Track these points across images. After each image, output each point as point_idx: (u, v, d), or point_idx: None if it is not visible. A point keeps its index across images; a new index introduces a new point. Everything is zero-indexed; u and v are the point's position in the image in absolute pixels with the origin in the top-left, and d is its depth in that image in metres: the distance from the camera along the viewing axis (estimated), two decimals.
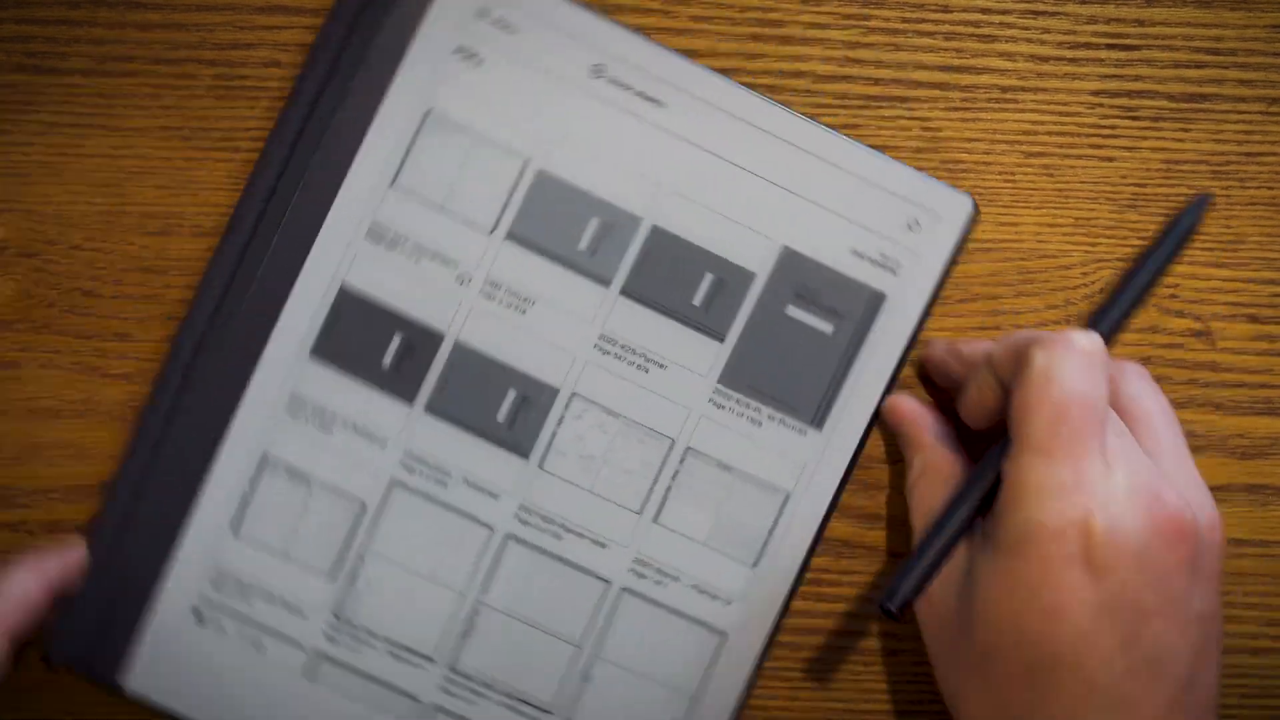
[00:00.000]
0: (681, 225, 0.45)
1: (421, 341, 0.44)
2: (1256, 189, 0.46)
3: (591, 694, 0.45)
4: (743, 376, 0.45)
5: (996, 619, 0.38)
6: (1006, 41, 0.46)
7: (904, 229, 0.45)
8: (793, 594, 0.45)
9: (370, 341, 0.44)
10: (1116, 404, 0.41)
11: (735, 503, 0.45)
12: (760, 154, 0.44)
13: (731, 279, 0.45)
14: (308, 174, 0.44)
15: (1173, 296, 0.46)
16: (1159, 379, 0.45)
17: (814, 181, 0.45)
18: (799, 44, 0.46)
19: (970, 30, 0.46)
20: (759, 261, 0.45)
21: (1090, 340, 0.39)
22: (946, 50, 0.46)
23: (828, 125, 0.45)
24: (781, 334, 0.45)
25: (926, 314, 0.45)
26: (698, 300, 0.45)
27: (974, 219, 0.45)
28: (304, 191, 0.44)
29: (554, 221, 0.44)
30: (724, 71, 0.45)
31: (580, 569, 0.45)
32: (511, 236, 0.44)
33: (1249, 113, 0.46)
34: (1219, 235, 0.46)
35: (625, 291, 0.45)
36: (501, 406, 0.45)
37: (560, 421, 0.45)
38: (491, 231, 0.44)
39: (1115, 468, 0.38)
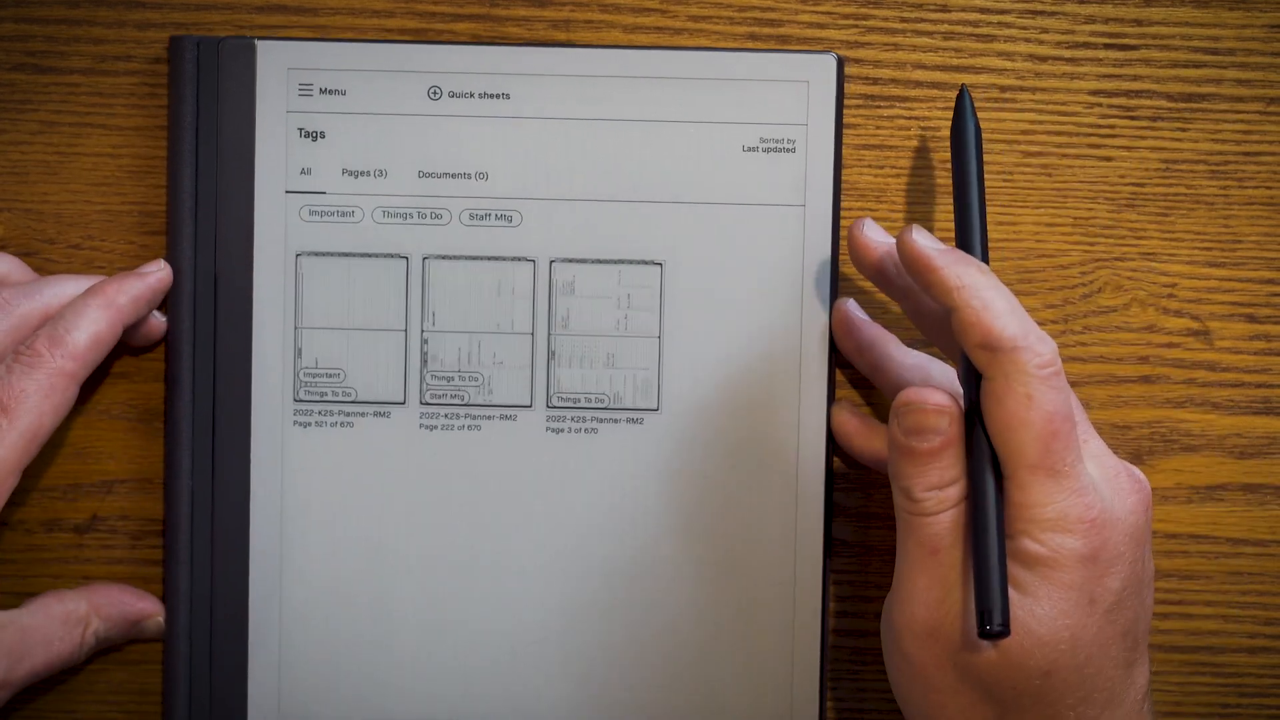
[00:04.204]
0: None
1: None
2: (1254, 188, 0.46)
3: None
4: None
5: (1055, 636, 0.39)
6: (1005, 41, 0.46)
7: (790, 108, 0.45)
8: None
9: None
10: None
11: None
12: (613, 97, 0.45)
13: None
14: (217, 351, 0.45)
15: (1170, 296, 0.46)
16: (1157, 379, 0.46)
17: (684, 99, 0.45)
18: (798, 44, 0.46)
19: (969, 30, 0.46)
20: None
21: (1049, 347, 0.39)
22: (946, 50, 0.46)
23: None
24: None
25: (839, 178, 0.45)
26: None
27: (843, 72, 0.45)
28: (221, 356, 0.45)
29: None
30: None
31: None
32: None
33: (1247, 112, 0.46)
34: (1217, 235, 0.46)
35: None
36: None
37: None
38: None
39: (1084, 459, 0.40)
